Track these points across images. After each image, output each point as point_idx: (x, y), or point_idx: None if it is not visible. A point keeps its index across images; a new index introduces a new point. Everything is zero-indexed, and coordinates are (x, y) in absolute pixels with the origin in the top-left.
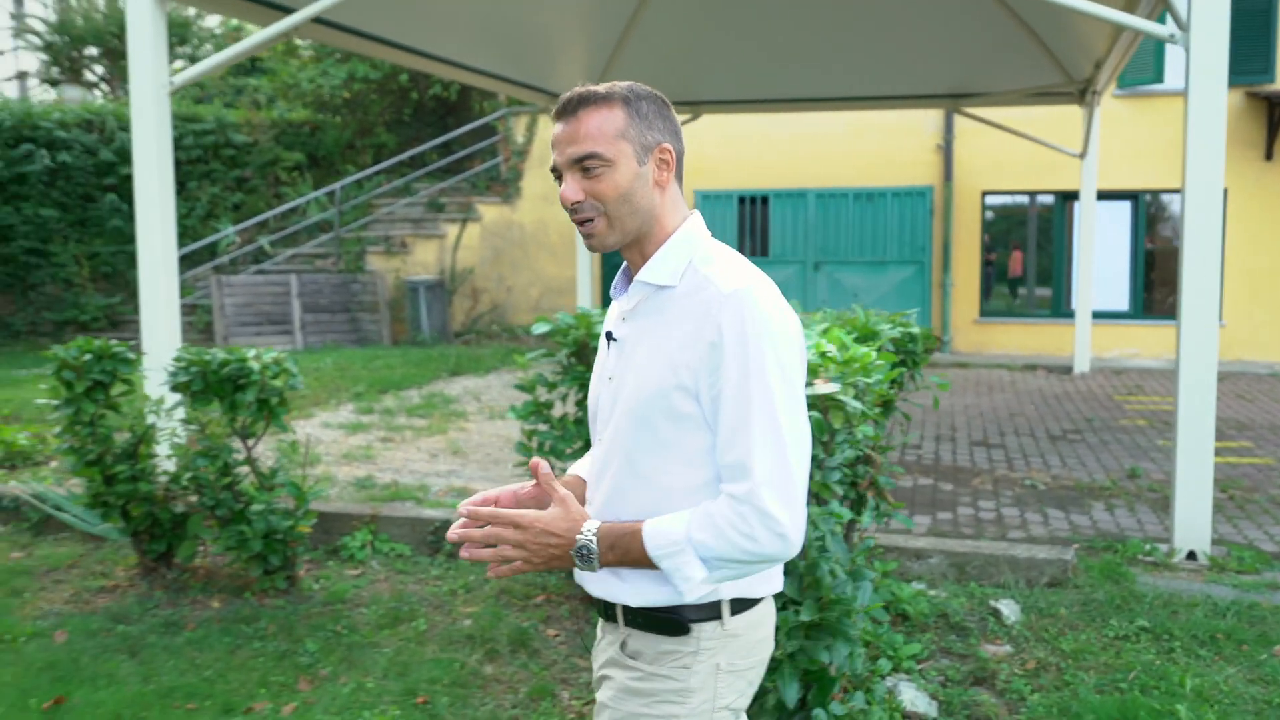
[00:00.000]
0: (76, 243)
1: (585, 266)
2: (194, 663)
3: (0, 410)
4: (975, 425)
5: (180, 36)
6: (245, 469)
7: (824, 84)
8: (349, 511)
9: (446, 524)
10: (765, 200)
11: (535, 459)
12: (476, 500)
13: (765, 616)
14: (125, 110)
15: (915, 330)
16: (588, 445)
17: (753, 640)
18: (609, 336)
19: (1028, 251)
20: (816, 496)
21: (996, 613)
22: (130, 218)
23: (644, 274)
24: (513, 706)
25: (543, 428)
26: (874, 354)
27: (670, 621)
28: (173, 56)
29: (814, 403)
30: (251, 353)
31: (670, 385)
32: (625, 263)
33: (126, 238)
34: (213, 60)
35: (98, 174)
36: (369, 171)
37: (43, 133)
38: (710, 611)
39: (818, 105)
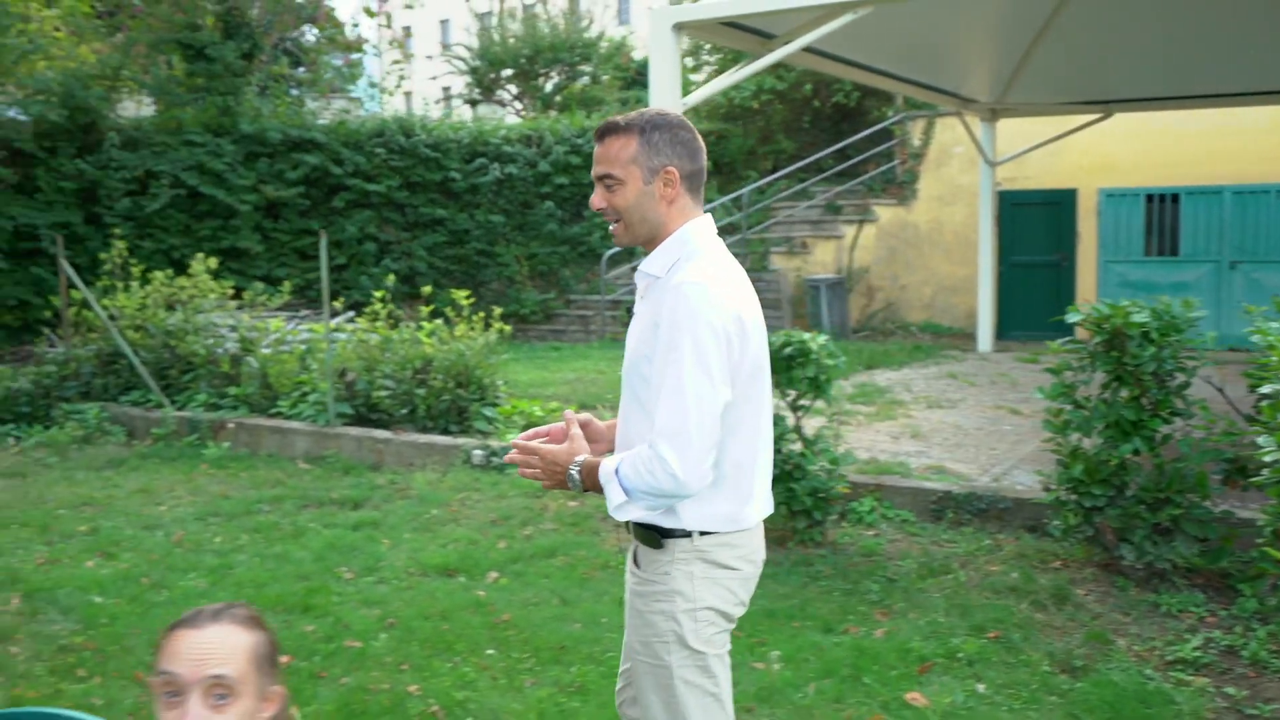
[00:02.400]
0: (517, 245)
1: (987, 265)
2: (777, 593)
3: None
4: None
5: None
6: (794, 436)
7: (1246, 78)
8: (854, 480)
9: (948, 495)
10: (1175, 198)
11: (566, 411)
12: (527, 435)
13: (736, 542)
14: (559, 126)
15: None
16: (1111, 425)
17: (724, 558)
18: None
19: None
20: None
21: None
22: (563, 222)
23: (643, 265)
24: (1078, 646)
25: (1068, 408)
26: None
27: (651, 536)
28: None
29: None
30: (807, 336)
31: (642, 354)
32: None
33: (559, 240)
34: (719, 82)
35: (536, 183)
36: (771, 178)
37: (492, 148)
38: (680, 533)
39: (1239, 100)
